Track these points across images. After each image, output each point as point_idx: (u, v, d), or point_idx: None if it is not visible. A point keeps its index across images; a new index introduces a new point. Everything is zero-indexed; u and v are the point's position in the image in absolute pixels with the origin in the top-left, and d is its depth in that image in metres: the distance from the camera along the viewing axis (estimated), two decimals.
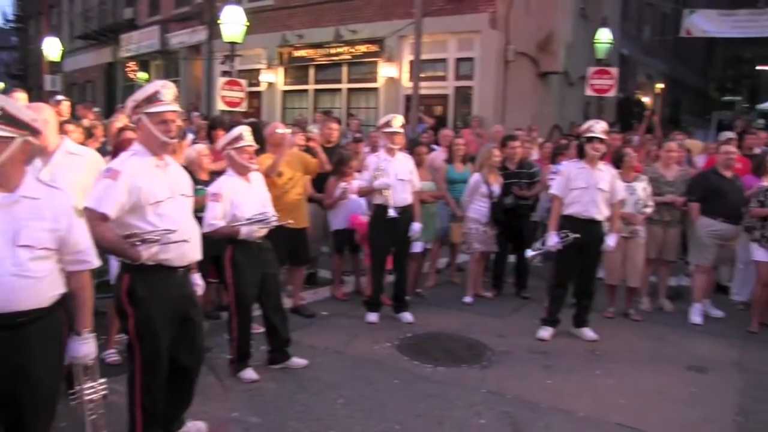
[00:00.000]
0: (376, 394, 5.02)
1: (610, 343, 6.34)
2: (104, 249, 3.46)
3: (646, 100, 28.59)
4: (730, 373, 5.80)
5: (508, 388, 5.18)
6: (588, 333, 6.47)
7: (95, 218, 3.36)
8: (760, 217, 6.86)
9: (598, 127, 6.32)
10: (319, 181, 7.25)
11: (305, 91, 19.18)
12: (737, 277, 7.99)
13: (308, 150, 7.01)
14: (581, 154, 6.45)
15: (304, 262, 6.86)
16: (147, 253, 3.51)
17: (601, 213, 6.31)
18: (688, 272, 8.00)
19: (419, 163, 7.18)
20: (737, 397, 5.28)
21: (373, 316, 6.70)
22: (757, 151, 8.83)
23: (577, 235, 6.19)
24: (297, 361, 5.44)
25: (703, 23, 21.96)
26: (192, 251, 3.77)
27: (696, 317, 7.23)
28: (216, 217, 4.89)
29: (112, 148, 5.86)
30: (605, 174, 6.34)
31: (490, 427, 4.55)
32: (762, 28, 22.09)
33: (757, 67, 47.84)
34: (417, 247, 7.19)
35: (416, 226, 6.60)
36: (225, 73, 14.53)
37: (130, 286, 3.58)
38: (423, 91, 14.47)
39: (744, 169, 8.01)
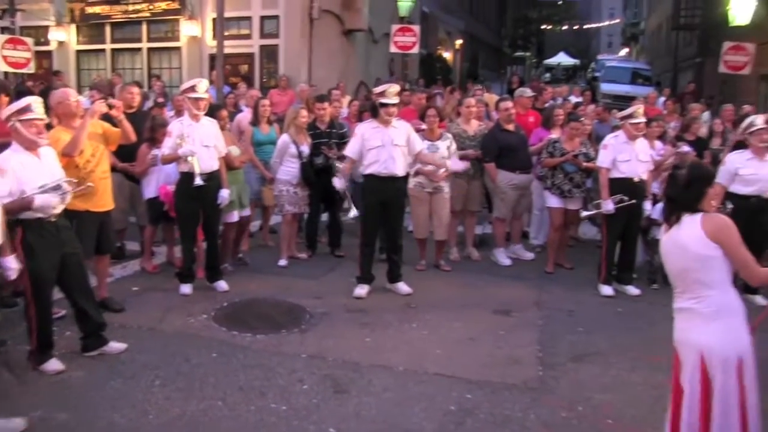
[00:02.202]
0: (194, 370, 4.83)
1: (423, 296, 6.59)
2: None
3: (447, 55, 29.75)
4: (531, 313, 6.28)
5: (328, 350, 5.22)
6: (402, 287, 6.66)
7: None
8: (550, 167, 7.42)
9: (392, 92, 6.40)
10: (121, 150, 6.71)
11: (102, 50, 17.79)
12: (533, 222, 8.64)
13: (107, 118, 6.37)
14: (375, 114, 6.52)
15: (110, 249, 6.13)
16: None
17: (401, 169, 6.46)
18: (491, 220, 8.48)
19: (221, 128, 6.93)
20: (538, 334, 5.74)
21: (186, 288, 6.44)
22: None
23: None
24: (115, 345, 5.07)
25: None
26: None
27: (504, 259, 7.76)
28: (1, 193, 4.33)
29: None
30: (400, 130, 6.47)
31: (314, 392, 4.56)
32: None
33: (542, 27, 51.63)
34: (233, 217, 6.98)
35: (224, 193, 6.38)
36: (5, 30, 13.06)
37: None
38: (228, 50, 13.97)
39: (536, 122, 8.61)
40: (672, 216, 3.22)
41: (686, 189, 3.16)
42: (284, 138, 7.38)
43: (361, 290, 6.53)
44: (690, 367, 3.14)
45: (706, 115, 12.03)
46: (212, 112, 6.83)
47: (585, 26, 59.32)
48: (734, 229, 3.06)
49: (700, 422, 3.10)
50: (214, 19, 14.55)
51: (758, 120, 6.75)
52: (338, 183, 6.55)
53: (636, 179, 6.77)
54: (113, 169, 6.38)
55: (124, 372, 4.76)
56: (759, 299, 6.48)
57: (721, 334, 3.07)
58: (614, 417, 4.39)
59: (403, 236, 6.88)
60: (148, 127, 6.81)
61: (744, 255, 3.04)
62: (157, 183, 6.83)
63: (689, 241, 3.10)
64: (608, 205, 6.70)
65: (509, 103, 7.98)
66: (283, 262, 7.43)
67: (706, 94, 18.87)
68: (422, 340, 5.52)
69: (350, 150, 6.56)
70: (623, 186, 6.71)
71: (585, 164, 7.34)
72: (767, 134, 6.67)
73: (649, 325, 6.04)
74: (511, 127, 7.76)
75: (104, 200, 5.61)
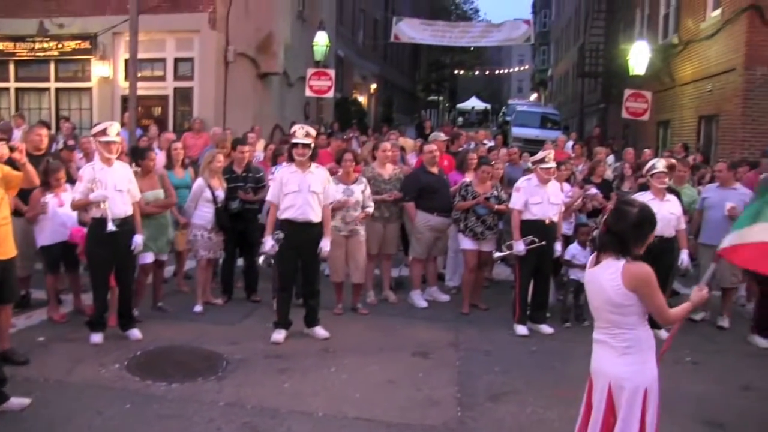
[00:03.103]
0: (106, 423, 4.63)
1: (341, 339, 6.57)
2: None
3: (361, 99, 30.17)
4: (449, 354, 6.35)
5: (246, 397, 5.12)
6: (319, 331, 6.63)
7: None
8: (463, 210, 7.60)
9: (301, 133, 6.45)
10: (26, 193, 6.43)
11: (5, 89, 17.09)
12: (449, 264, 8.80)
13: (10, 161, 6.07)
14: (293, 158, 6.54)
15: (12, 299, 5.70)
16: None
17: (317, 215, 6.48)
18: (407, 263, 8.57)
19: (148, 171, 6.81)
20: (455, 375, 5.81)
21: (97, 337, 6.19)
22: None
23: (283, 234, 6.33)
24: (16, 401, 4.75)
25: (409, 30, 23.83)
26: None
27: (420, 301, 7.86)
28: None
29: None
30: (317, 176, 6.52)
31: None
32: (456, 38, 24.74)
33: (455, 71, 53.21)
34: (147, 258, 6.79)
35: (138, 239, 6.22)
36: None
37: None
38: (141, 92, 13.73)
39: (450, 166, 8.83)
40: (609, 251, 3.23)
41: (635, 228, 3.20)
42: (199, 182, 7.29)
43: (279, 335, 6.45)
44: (599, 393, 3.29)
45: (610, 158, 12.66)
46: (141, 154, 6.72)
47: (496, 72, 61.46)
48: (653, 279, 3.14)
49: None
50: (126, 60, 14.31)
51: (659, 164, 7.16)
52: (268, 246, 6.43)
53: (547, 221, 7.02)
54: (17, 213, 6.14)
55: (28, 430, 4.51)
56: (663, 333, 6.77)
57: (629, 367, 3.19)
58: None
59: (320, 280, 6.87)
60: (42, 170, 6.40)
61: (659, 302, 3.16)
62: (52, 229, 6.58)
63: (607, 287, 3.19)
64: (519, 247, 6.91)
65: (433, 146, 8.19)
66: (198, 308, 7.27)
67: (610, 138, 19.86)
68: (341, 384, 5.49)
69: (271, 195, 6.54)
70: (535, 228, 6.94)
71: (496, 207, 7.56)
72: (666, 177, 7.09)
73: (563, 363, 6.21)
74: (434, 169, 7.94)
75: (4, 248, 5.22)
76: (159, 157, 8.42)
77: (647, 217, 3.23)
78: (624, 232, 3.19)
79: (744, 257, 3.73)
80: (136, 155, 6.48)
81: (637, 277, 3.12)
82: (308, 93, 16.65)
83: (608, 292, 3.18)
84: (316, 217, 6.46)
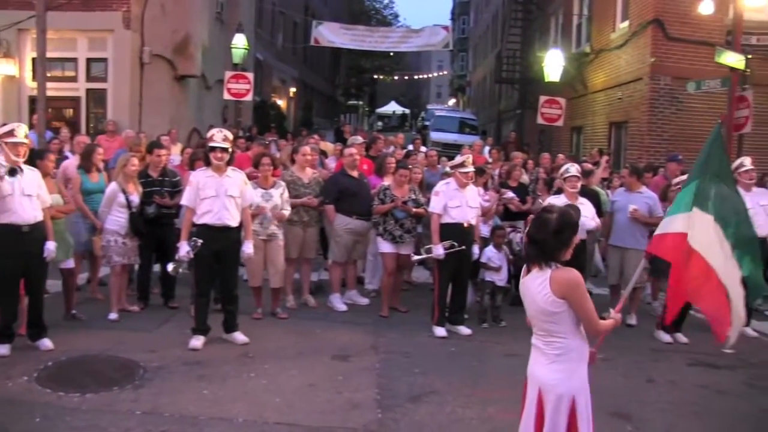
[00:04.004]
0: None
1: (261, 344, 6.52)
2: None
3: (281, 103, 29.96)
4: (369, 357, 6.39)
5: (164, 406, 5.01)
6: (239, 337, 6.56)
7: None
8: (382, 213, 7.67)
9: (220, 136, 6.39)
10: None
11: None
12: (368, 267, 8.86)
13: None
14: (209, 162, 6.46)
15: None
16: None
17: (234, 219, 6.42)
18: (326, 266, 8.57)
19: (46, 173, 6.55)
20: (375, 378, 5.85)
21: (3, 349, 5.90)
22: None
23: (201, 241, 6.21)
24: None
25: (328, 34, 23.83)
26: None
27: (339, 305, 7.87)
28: None
29: None
30: (234, 180, 6.46)
31: None
32: (376, 43, 24.90)
33: (375, 76, 53.56)
34: (69, 264, 6.58)
35: (50, 245, 5.99)
36: None
37: None
38: (50, 93, 13.16)
39: (369, 170, 8.90)
40: (535, 262, 3.23)
41: (556, 235, 3.16)
42: (112, 186, 7.09)
43: (197, 342, 6.34)
44: (530, 396, 3.34)
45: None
46: (36, 157, 6.44)
47: (415, 77, 62.18)
48: (581, 284, 3.17)
49: None
50: (34, 59, 13.73)
51: (572, 168, 7.43)
52: (183, 252, 6.31)
53: (466, 224, 7.16)
54: None
55: None
56: (680, 337, 7.37)
57: (558, 374, 3.23)
58: None
59: (238, 285, 6.80)
60: None
61: (588, 310, 3.17)
62: None
63: (537, 297, 3.20)
64: (439, 250, 7.03)
65: (354, 149, 8.26)
66: (113, 316, 7.05)
67: (526, 143, 20.43)
68: (261, 390, 5.45)
69: (186, 199, 6.43)
70: (454, 231, 7.07)
71: (414, 210, 7.67)
72: (579, 181, 7.36)
73: (481, 363, 6.37)
74: (354, 173, 7.99)
75: None
76: (71, 161, 8.19)
77: (567, 222, 3.20)
78: (546, 240, 3.17)
79: (663, 248, 3.90)
80: (34, 156, 6.20)
81: (565, 283, 3.13)
82: (226, 96, 16.44)
83: (539, 302, 3.20)
84: (233, 222, 6.39)
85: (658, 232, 4.00)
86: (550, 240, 3.16)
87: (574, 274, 3.16)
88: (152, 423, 4.72)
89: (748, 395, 6.07)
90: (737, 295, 3.75)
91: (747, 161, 7.77)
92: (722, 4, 12.31)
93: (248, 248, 6.54)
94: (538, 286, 3.18)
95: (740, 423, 5.46)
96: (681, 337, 7.42)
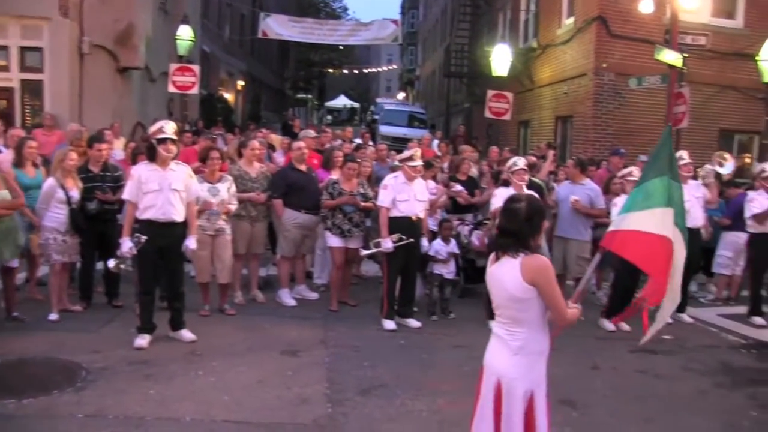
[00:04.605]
0: None
1: (209, 342, 6.42)
2: None
3: (228, 96, 29.57)
4: (318, 352, 6.36)
5: (108, 408, 4.87)
6: (186, 334, 6.44)
7: None
8: (330, 208, 7.64)
9: (169, 128, 6.25)
10: None
11: None
12: (317, 262, 8.82)
13: None
14: (152, 156, 6.29)
15: None
16: None
17: (179, 214, 6.29)
18: (275, 261, 8.51)
19: None
20: (325, 372, 5.83)
21: None
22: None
23: (144, 237, 6.05)
24: None
25: (276, 27, 23.61)
26: None
27: (288, 300, 7.82)
28: None
29: None
30: (178, 173, 6.33)
31: None
32: (324, 36, 24.77)
33: (324, 70, 53.33)
34: (14, 263, 6.35)
35: None
36: None
37: None
38: None
39: (319, 163, 8.85)
40: (507, 251, 3.25)
41: (528, 222, 3.23)
42: (50, 182, 6.86)
43: (142, 341, 6.20)
44: (488, 386, 3.34)
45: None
46: None
47: (365, 70, 62.11)
48: (550, 271, 3.22)
49: None
50: None
51: (519, 161, 7.52)
52: (125, 247, 6.14)
53: (414, 218, 7.18)
54: None
55: None
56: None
57: (519, 368, 3.25)
58: None
59: (184, 281, 6.68)
60: None
61: (556, 298, 3.20)
62: None
63: (507, 282, 3.22)
64: (387, 244, 7.04)
65: (302, 143, 8.23)
66: (53, 317, 6.84)
67: (474, 136, 20.59)
68: (209, 388, 5.36)
69: (128, 194, 6.25)
70: (402, 224, 7.09)
71: (363, 204, 7.65)
72: (526, 174, 7.45)
73: (430, 355, 6.41)
74: (302, 167, 7.93)
75: None
76: (5, 156, 7.91)
77: (536, 209, 3.30)
78: (519, 229, 3.23)
79: (617, 244, 3.95)
80: None
81: (535, 269, 3.16)
82: (171, 89, 16.07)
83: (508, 288, 3.22)
84: (178, 217, 6.26)
85: (613, 228, 4.03)
86: (523, 228, 3.23)
87: (544, 260, 3.23)
88: (95, 426, 4.60)
89: (684, 378, 6.31)
90: (677, 284, 3.85)
91: (684, 155, 7.98)
92: (661, 3, 12.61)
93: (191, 243, 6.43)
94: (508, 271, 3.21)
95: (677, 404, 5.66)
96: (624, 326, 7.60)
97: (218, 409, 4.96)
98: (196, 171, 7.14)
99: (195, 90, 16.31)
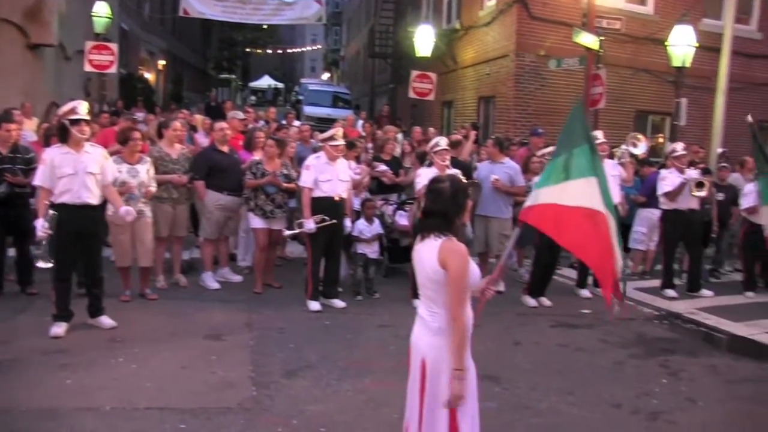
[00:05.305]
0: None
1: (130, 328, 6.27)
2: None
3: (149, 76, 28.72)
4: (243, 335, 6.32)
5: (19, 401, 4.66)
6: (105, 321, 6.27)
7: None
8: (253, 188, 7.55)
9: (82, 108, 5.99)
10: None
11: None
12: (240, 244, 8.73)
13: None
14: (64, 138, 6.03)
15: None
16: None
17: (95, 197, 6.08)
18: (198, 244, 8.37)
19: None
20: (250, 355, 5.80)
21: None
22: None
23: (56, 213, 5.79)
24: None
25: (198, 5, 22.98)
26: None
27: (212, 283, 7.74)
28: None
29: None
30: (94, 156, 6.10)
31: None
32: (248, 15, 24.29)
33: (248, 50, 52.36)
34: None
35: None
36: None
37: None
38: None
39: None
40: (432, 232, 3.24)
41: (453, 200, 3.26)
42: None
43: (59, 329, 5.99)
44: (414, 365, 3.36)
45: (399, 136, 13.19)
46: None
47: (289, 50, 61.27)
48: (464, 261, 3.19)
49: (417, 414, 3.33)
50: None
51: (441, 141, 7.59)
52: (39, 227, 5.85)
53: (337, 198, 7.17)
54: None
55: None
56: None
57: (440, 350, 3.24)
58: (327, 426, 4.59)
59: (103, 266, 6.46)
60: None
61: (459, 289, 3.17)
62: None
63: (426, 262, 3.23)
64: (310, 225, 7.02)
65: (224, 124, 8.11)
66: None
67: (399, 117, 20.67)
68: (131, 375, 5.24)
69: (39, 179, 5.96)
70: (325, 205, 7.08)
71: (285, 185, 7.59)
72: (448, 154, 7.53)
73: (355, 335, 6.46)
74: (225, 148, 7.82)
75: None
76: None
77: (459, 187, 3.34)
78: (445, 208, 3.26)
79: (535, 218, 4.01)
80: None
81: (448, 251, 3.16)
82: (88, 68, 15.47)
83: (426, 268, 3.23)
84: (94, 200, 6.05)
85: (530, 203, 4.09)
86: (449, 207, 3.26)
87: (462, 247, 3.22)
88: (4, 422, 4.39)
89: (602, 350, 6.58)
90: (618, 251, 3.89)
91: (599, 134, 8.24)
92: None
93: (123, 209, 6.22)
94: (428, 252, 3.22)
95: (595, 375, 5.89)
96: (545, 301, 7.85)
97: (140, 396, 4.86)
98: (115, 153, 6.93)
99: (113, 69, 15.74)
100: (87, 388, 4.95)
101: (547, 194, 3.96)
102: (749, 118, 8.23)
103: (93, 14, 16.46)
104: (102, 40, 15.83)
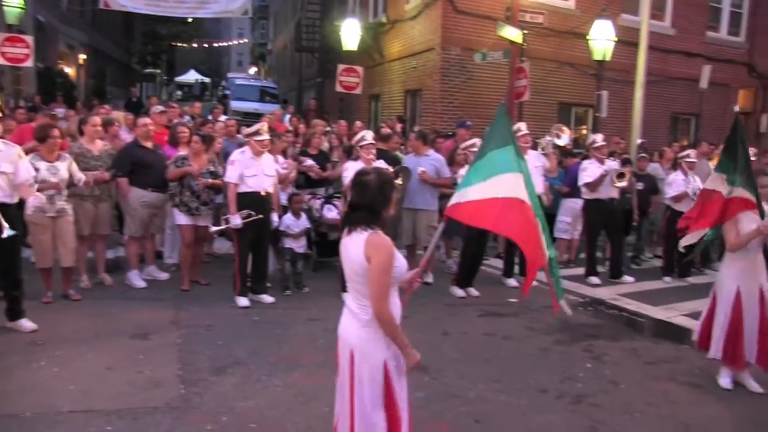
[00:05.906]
0: None
1: (52, 330, 6.09)
2: None
3: (69, 70, 27.76)
4: (170, 333, 6.23)
5: None
6: (25, 324, 6.08)
7: None
8: (178, 184, 7.43)
9: None
10: None
11: None
12: (167, 241, 8.59)
13: None
14: None
15: None
16: None
17: (8, 196, 5.87)
18: (123, 242, 8.18)
19: None
20: (177, 353, 5.73)
21: None
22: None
23: None
24: None
25: None
26: None
27: (138, 281, 7.62)
28: None
29: None
30: (6, 154, 5.86)
31: None
32: (171, 8, 23.69)
33: (173, 44, 51.22)
34: None
35: None
36: None
37: None
38: None
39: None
40: (359, 225, 3.23)
41: (380, 192, 3.24)
42: None
43: None
44: (343, 358, 3.37)
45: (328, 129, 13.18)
46: None
47: (215, 44, 60.22)
48: (388, 255, 3.18)
49: (348, 406, 3.34)
50: None
51: (368, 135, 7.64)
52: None
53: (263, 193, 7.13)
54: None
55: None
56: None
57: (369, 339, 3.26)
58: (258, 421, 4.59)
59: (23, 268, 6.26)
60: None
61: (379, 283, 3.16)
62: None
63: (354, 256, 3.23)
64: (236, 220, 6.96)
65: (147, 119, 7.96)
66: None
67: (326, 110, 20.62)
68: (53, 379, 5.10)
69: None
70: (251, 200, 7.03)
71: (211, 181, 7.48)
72: (374, 148, 7.59)
73: (285, 330, 6.46)
74: (149, 144, 7.66)
75: None
76: None
77: (385, 179, 3.33)
78: (373, 200, 3.25)
79: (464, 214, 4.08)
80: None
81: (373, 244, 3.17)
82: (1, 61, 14.87)
83: (353, 262, 3.23)
84: (8, 199, 5.85)
85: (455, 200, 4.15)
86: (376, 198, 3.25)
87: (387, 241, 3.22)
88: None
89: (528, 337, 6.76)
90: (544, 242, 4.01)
91: (523, 126, 8.44)
92: None
93: (31, 198, 6.09)
94: (355, 246, 3.23)
95: (522, 363, 6.06)
96: (473, 291, 8.01)
97: (63, 400, 4.74)
98: (32, 150, 6.70)
99: (29, 63, 15.15)
100: (6, 395, 4.80)
101: (475, 191, 4.05)
102: (736, 108, 8.44)
103: (4, 4, 15.80)
104: (15, 32, 15.22)
